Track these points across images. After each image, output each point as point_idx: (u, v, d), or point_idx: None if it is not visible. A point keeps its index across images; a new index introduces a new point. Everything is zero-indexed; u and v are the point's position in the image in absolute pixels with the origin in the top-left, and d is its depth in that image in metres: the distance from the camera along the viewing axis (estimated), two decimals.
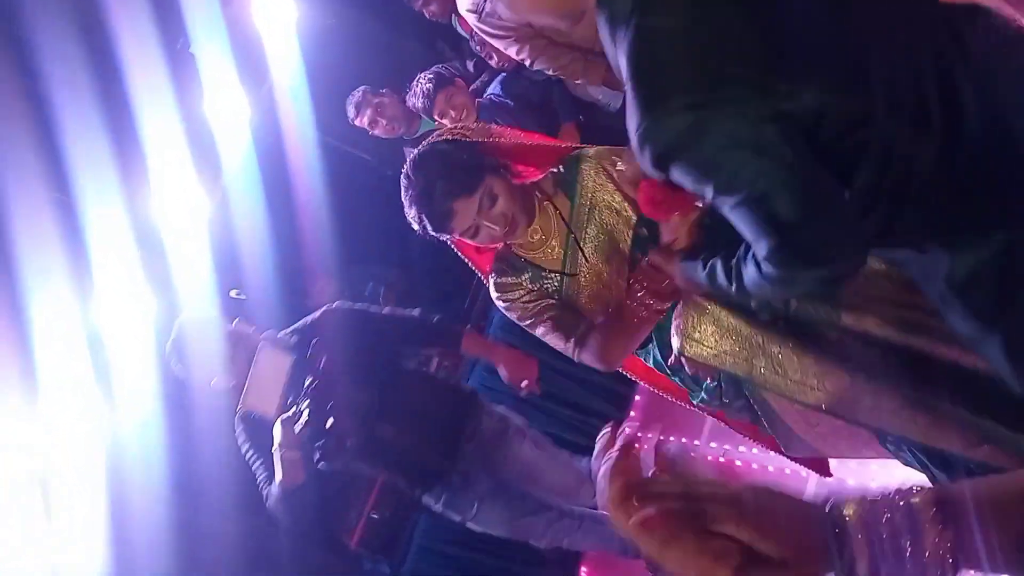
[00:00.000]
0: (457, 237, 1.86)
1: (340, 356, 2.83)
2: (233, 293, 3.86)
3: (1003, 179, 1.15)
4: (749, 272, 1.34)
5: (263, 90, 4.19)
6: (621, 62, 1.20)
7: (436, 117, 3.53)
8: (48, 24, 2.98)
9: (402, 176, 1.87)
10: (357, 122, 3.92)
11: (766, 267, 1.26)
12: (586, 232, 1.89)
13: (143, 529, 3.33)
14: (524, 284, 1.94)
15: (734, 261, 1.39)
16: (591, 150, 1.95)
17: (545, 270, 1.93)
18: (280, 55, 4.01)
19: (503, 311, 1.99)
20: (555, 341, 1.94)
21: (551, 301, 1.93)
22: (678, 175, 1.18)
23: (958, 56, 1.17)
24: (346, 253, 4.42)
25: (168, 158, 3.42)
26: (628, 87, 1.18)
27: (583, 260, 1.89)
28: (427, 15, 3.95)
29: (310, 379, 2.78)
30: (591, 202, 1.89)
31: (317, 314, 2.95)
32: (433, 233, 1.85)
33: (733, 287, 1.41)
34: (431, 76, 3.54)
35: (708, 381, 1.87)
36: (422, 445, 2.91)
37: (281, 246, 4.20)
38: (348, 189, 4.42)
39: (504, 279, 1.96)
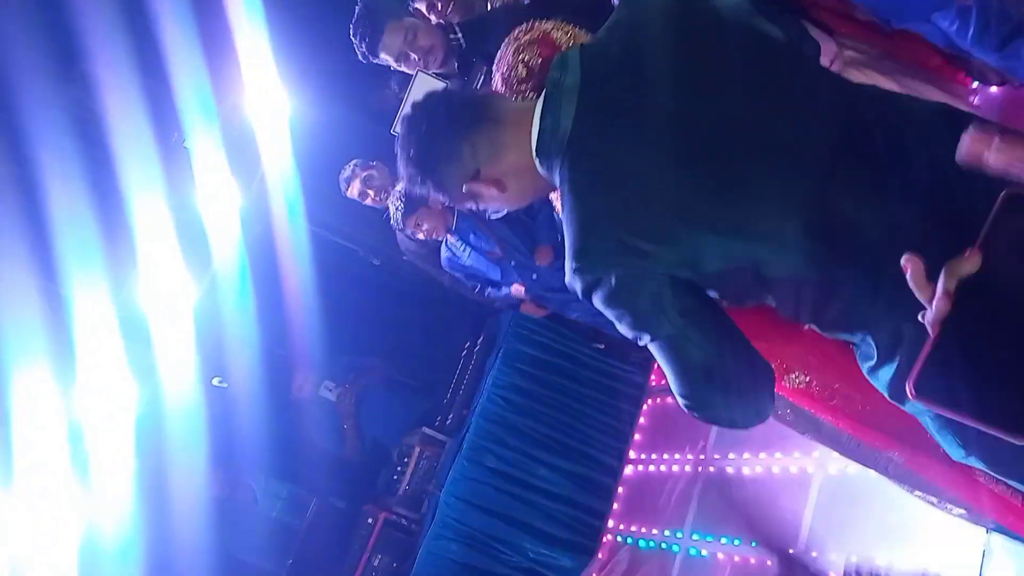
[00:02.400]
0: None
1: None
2: (215, 381, 3.86)
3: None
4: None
5: (255, 180, 4.29)
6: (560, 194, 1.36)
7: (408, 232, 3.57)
8: (42, 112, 3.07)
9: None
10: (348, 194, 3.97)
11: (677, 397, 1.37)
12: None
13: None
14: None
15: None
16: None
17: None
18: (272, 147, 4.13)
19: None
20: None
21: None
22: (601, 309, 1.32)
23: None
24: (331, 342, 4.45)
25: (157, 245, 3.48)
26: (564, 229, 1.33)
27: None
28: None
29: None
30: None
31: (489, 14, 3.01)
32: None
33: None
34: (401, 201, 3.54)
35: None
36: None
37: (266, 334, 4.23)
38: (335, 279, 4.48)
39: None
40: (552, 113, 1.34)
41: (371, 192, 3.88)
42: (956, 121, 1.26)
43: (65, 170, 3.07)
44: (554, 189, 1.45)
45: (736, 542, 3.38)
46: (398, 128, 2.85)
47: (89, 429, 3.33)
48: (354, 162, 3.92)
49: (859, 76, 2.77)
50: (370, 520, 4.11)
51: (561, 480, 3.97)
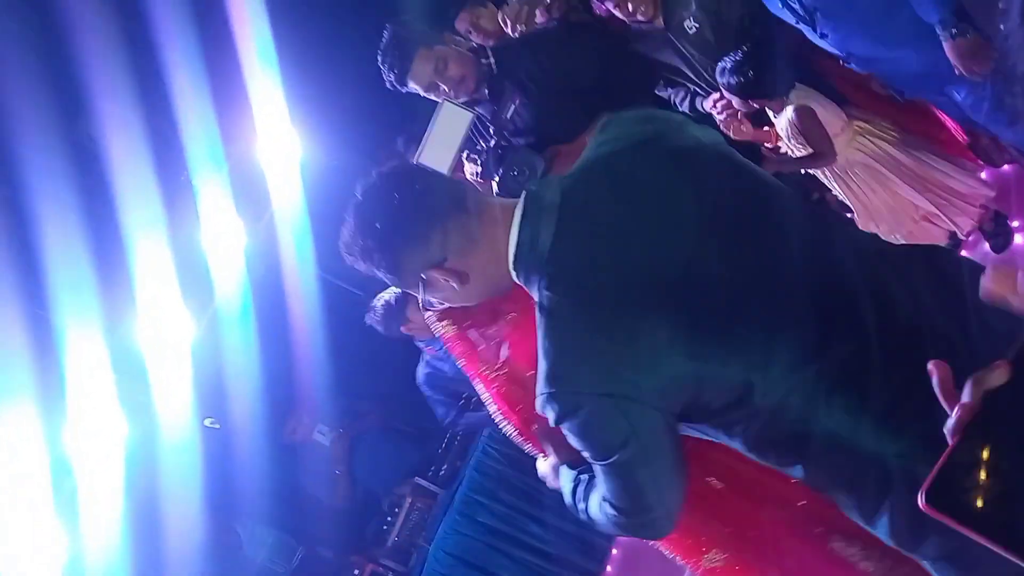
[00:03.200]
0: None
1: (532, 93, 2.83)
2: (207, 422, 3.81)
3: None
4: (598, 505, 1.44)
5: (262, 222, 4.29)
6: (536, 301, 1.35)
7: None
8: (41, 142, 3.08)
9: None
10: (351, 262, 3.97)
11: (607, 508, 1.40)
12: None
13: None
14: None
15: (591, 487, 1.48)
16: None
17: None
18: (282, 189, 4.14)
19: None
20: None
21: None
22: (567, 435, 1.33)
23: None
24: (328, 386, 4.40)
25: (157, 282, 3.46)
26: (540, 350, 1.31)
27: None
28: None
29: (493, 128, 2.78)
30: None
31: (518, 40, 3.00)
32: None
33: (580, 509, 1.52)
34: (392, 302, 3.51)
35: None
36: None
37: (264, 376, 4.18)
38: (336, 322, 4.46)
39: None
40: (531, 225, 1.33)
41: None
42: (934, 259, 1.36)
43: (63, 201, 3.05)
44: (506, 291, 1.43)
45: None
46: (421, 158, 2.87)
47: (77, 464, 3.27)
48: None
49: (868, 145, 2.79)
50: (356, 571, 4.03)
51: (553, 538, 3.89)
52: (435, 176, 1.47)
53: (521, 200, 1.37)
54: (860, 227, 2.86)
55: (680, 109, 3.05)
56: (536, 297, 1.33)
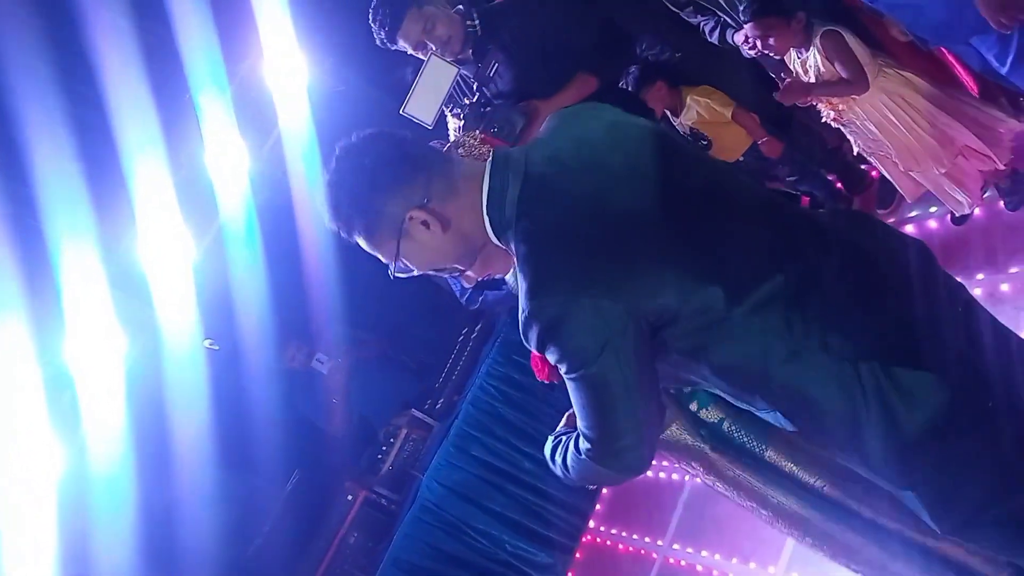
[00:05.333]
0: None
1: (513, 54, 3.01)
2: (207, 343, 3.82)
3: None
4: (572, 450, 1.51)
5: (267, 145, 4.24)
6: (513, 257, 1.44)
7: None
8: (40, 60, 3.01)
9: None
10: None
11: (581, 443, 1.46)
12: None
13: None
14: None
15: (568, 440, 1.56)
16: None
17: None
18: (287, 113, 4.07)
19: None
20: None
21: None
22: (549, 353, 1.37)
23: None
24: (329, 313, 4.41)
25: (158, 201, 3.44)
26: (519, 279, 1.39)
27: None
28: None
29: (477, 84, 3.01)
30: None
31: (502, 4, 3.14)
32: None
33: (557, 463, 1.59)
34: None
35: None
36: None
37: (266, 300, 4.19)
38: (339, 251, 4.44)
39: None
40: (500, 175, 1.43)
41: None
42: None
43: (60, 120, 3.01)
44: (472, 260, 1.51)
45: (716, 556, 3.34)
46: (407, 109, 2.96)
47: (77, 377, 3.30)
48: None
49: (898, 78, 2.71)
50: (350, 497, 4.08)
51: (546, 475, 3.93)
52: (419, 130, 1.53)
53: (490, 156, 1.47)
54: (902, 168, 2.83)
55: (709, 39, 3.09)
56: (511, 236, 1.41)
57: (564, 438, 1.60)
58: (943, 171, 2.80)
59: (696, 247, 1.36)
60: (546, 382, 1.62)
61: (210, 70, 3.55)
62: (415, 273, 1.53)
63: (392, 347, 4.90)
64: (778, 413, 1.42)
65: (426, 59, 2.93)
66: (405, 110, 2.94)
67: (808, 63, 2.81)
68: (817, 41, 2.74)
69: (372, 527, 4.04)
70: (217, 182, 3.85)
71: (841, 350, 1.33)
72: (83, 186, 3.06)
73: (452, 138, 3.05)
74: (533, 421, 4.02)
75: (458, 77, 3.00)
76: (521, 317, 1.37)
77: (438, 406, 4.37)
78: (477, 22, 3.05)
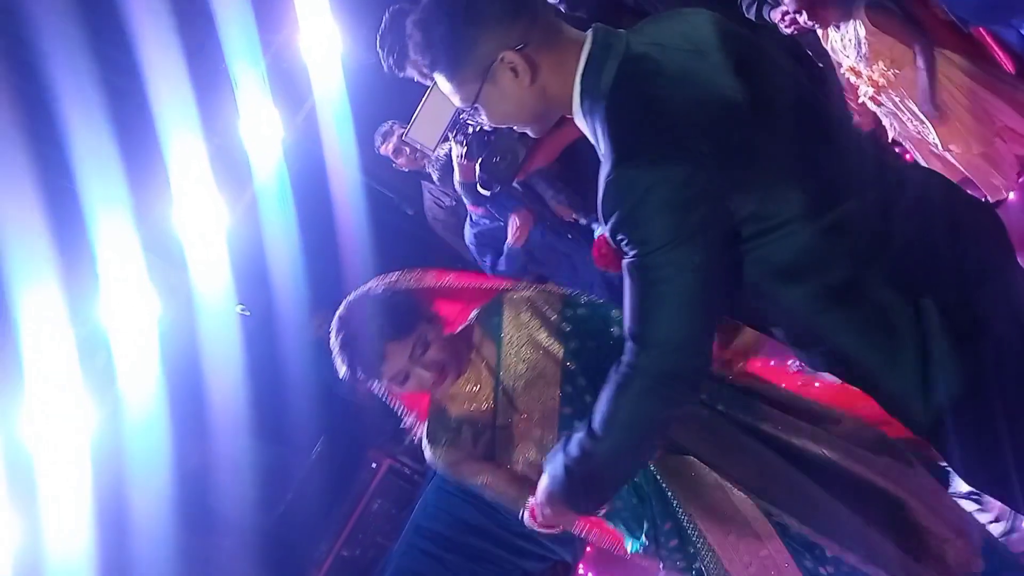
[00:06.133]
0: (386, 383, 1.86)
1: None
2: (238, 309, 3.88)
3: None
4: (601, 398, 1.41)
5: (300, 115, 4.27)
6: (597, 130, 1.34)
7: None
8: (76, 33, 3.05)
9: (335, 320, 1.91)
10: (382, 150, 3.98)
11: (625, 358, 1.36)
12: (515, 372, 1.89)
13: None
14: (460, 440, 1.91)
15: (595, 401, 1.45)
16: (519, 294, 1.97)
17: (478, 424, 1.91)
18: (321, 84, 4.10)
19: (442, 466, 1.93)
20: (505, 487, 1.90)
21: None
22: (624, 230, 1.29)
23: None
24: (355, 284, 4.44)
25: (193, 169, 3.48)
26: (606, 142, 1.31)
27: (516, 411, 1.88)
28: None
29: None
30: (517, 341, 1.90)
31: None
32: (362, 376, 1.86)
33: (577, 447, 1.46)
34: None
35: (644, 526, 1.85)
36: (587, 175, 2.97)
37: (296, 268, 4.23)
38: (366, 222, 4.47)
39: (436, 441, 1.94)
40: (602, 45, 1.35)
41: (407, 151, 3.87)
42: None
43: (96, 87, 3.04)
44: (549, 125, 1.44)
45: None
46: (411, 134, 3.00)
47: (112, 338, 3.37)
48: (392, 121, 3.92)
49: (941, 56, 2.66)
50: (374, 465, 4.14)
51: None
52: None
53: (592, 28, 1.39)
54: (940, 148, 2.78)
55: (747, 15, 3.06)
56: (597, 117, 1.33)
57: (569, 435, 1.50)
58: (981, 151, 2.76)
59: (784, 151, 1.32)
60: (603, 269, 1.53)
61: (245, 41, 3.58)
62: (482, 123, 1.46)
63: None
64: (821, 351, 1.38)
65: (430, 87, 2.86)
66: (408, 135, 2.97)
67: (847, 38, 2.76)
68: (863, 15, 2.68)
69: (395, 495, 4.10)
70: (251, 151, 3.89)
71: (902, 286, 1.31)
72: (118, 152, 3.09)
73: (456, 165, 3.15)
74: None
75: None
76: (601, 190, 1.30)
77: None
78: None
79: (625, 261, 1.31)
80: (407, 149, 3.90)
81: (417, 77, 1.44)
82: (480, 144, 2.99)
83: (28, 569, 2.88)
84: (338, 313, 1.93)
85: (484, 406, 1.90)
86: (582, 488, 1.50)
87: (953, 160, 2.86)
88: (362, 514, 4.05)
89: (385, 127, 3.96)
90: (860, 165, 1.39)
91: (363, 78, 4.14)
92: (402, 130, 3.86)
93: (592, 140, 1.39)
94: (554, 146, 3.18)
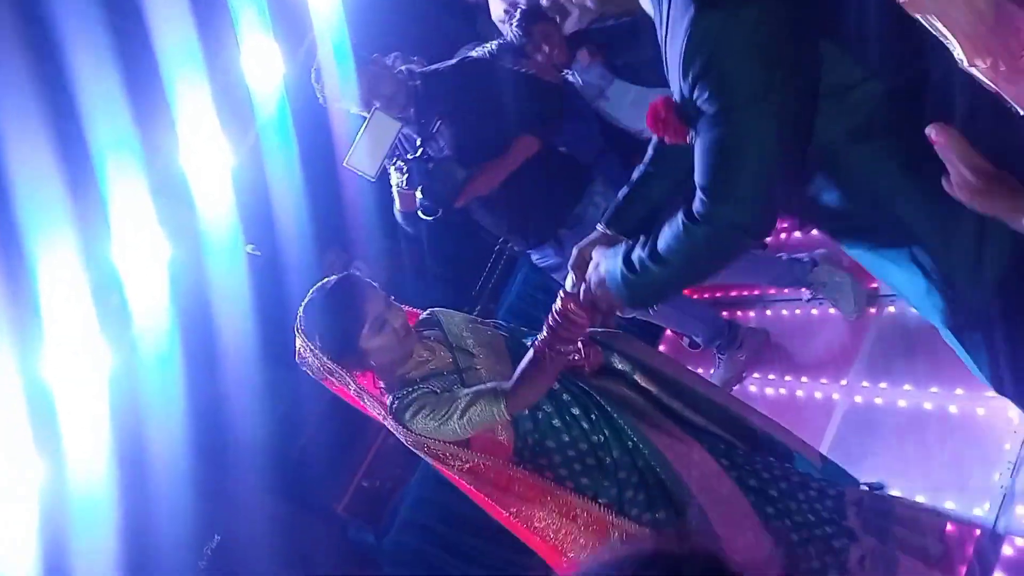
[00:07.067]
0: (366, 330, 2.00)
1: (455, 115, 3.20)
2: (249, 248, 3.90)
3: None
4: (669, 229, 1.42)
5: (301, 49, 4.20)
6: None
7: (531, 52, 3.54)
8: None
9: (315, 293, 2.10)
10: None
11: (695, 207, 1.35)
12: (460, 335, 2.13)
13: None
14: (431, 388, 2.02)
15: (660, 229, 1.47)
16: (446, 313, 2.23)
17: (444, 373, 2.04)
18: (321, 18, 4.02)
19: (419, 422, 1.98)
20: (480, 413, 1.97)
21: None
22: (705, 79, 1.26)
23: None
24: (367, 223, 4.43)
25: (197, 109, 3.45)
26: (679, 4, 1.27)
27: (472, 355, 2.08)
28: None
29: (420, 140, 3.17)
30: (456, 327, 2.16)
31: (446, 67, 3.31)
32: (347, 326, 2.01)
33: (642, 259, 1.49)
34: (524, 12, 3.55)
35: None
36: (527, 203, 3.26)
37: (303, 206, 4.22)
38: None
39: (409, 395, 2.02)
40: None
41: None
42: None
43: (96, 26, 3.00)
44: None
45: (786, 378, 3.29)
46: (351, 161, 3.15)
47: (125, 279, 3.40)
48: (395, 54, 3.84)
49: None
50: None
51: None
52: None
53: None
54: (967, 64, 2.71)
55: None
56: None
57: (637, 241, 1.52)
58: (1005, 68, 2.69)
59: (855, 10, 1.29)
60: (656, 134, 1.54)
61: None
62: None
63: (429, 257, 4.93)
64: (876, 223, 1.38)
65: (370, 114, 3.03)
66: (348, 162, 3.07)
67: None
68: None
69: None
70: (253, 88, 3.85)
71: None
72: (123, 95, 3.08)
73: (395, 192, 3.27)
74: None
75: (401, 133, 3.13)
76: (683, 45, 1.27)
77: (474, 314, 4.41)
78: (418, 82, 3.22)
79: (706, 114, 1.29)
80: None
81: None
82: (421, 172, 3.12)
83: (53, 505, 2.95)
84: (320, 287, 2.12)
85: (445, 360, 2.08)
86: (634, 290, 1.56)
87: (980, 76, 2.79)
88: (381, 445, 4.12)
89: (388, 59, 3.89)
90: (923, 47, 1.38)
91: (362, 9, 4.06)
92: (404, 64, 3.83)
93: (653, 7, 1.37)
94: (496, 173, 3.25)
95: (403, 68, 3.26)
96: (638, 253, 1.50)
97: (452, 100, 3.20)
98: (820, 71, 1.27)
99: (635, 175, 1.77)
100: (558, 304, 1.83)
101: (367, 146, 3.01)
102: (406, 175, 3.15)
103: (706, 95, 1.27)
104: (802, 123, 1.29)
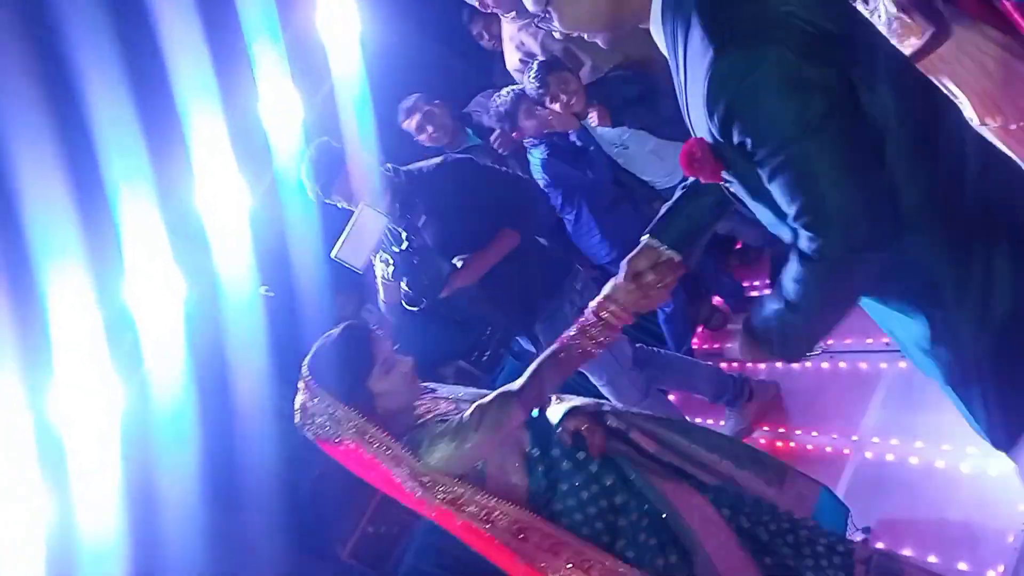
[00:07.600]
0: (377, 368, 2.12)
1: (438, 211, 3.29)
2: (262, 290, 3.92)
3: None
4: (790, 274, 1.39)
5: (320, 95, 4.27)
6: (679, 33, 1.33)
7: (548, 102, 3.63)
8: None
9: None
10: (405, 125, 3.99)
11: (805, 247, 1.33)
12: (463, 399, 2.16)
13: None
14: (441, 419, 2.06)
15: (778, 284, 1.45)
16: None
17: (448, 418, 2.06)
18: (340, 64, 4.09)
19: (437, 451, 1.99)
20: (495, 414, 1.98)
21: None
22: (739, 128, 1.26)
23: None
24: None
25: (214, 149, 3.50)
26: (700, 36, 1.27)
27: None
28: (483, 45, 4.05)
29: (406, 234, 3.23)
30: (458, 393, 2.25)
31: (429, 166, 3.38)
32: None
33: (781, 304, 1.46)
34: (540, 63, 3.63)
35: None
36: (506, 296, 3.37)
37: (318, 248, 4.24)
38: None
39: (422, 429, 2.05)
40: None
41: (429, 129, 3.90)
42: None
43: (114, 63, 3.06)
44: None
45: (797, 431, 3.33)
46: (339, 254, 3.16)
47: (138, 318, 3.42)
48: (417, 95, 3.92)
49: (968, 29, 2.59)
50: None
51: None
52: None
53: None
54: (978, 123, 2.73)
55: None
56: (679, 22, 1.32)
57: (767, 299, 1.52)
58: (1016, 127, 2.69)
59: (878, 56, 1.34)
60: (689, 175, 1.52)
61: (264, 19, 3.58)
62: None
63: (439, 302, 4.94)
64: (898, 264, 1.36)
65: (357, 209, 3.10)
66: (337, 255, 3.14)
67: (877, 14, 2.69)
68: None
69: None
70: (271, 131, 3.91)
71: (981, 215, 1.32)
72: (140, 133, 3.13)
73: (380, 284, 3.37)
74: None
75: (387, 227, 3.20)
76: (704, 88, 1.26)
77: (484, 358, 4.41)
78: (403, 178, 3.30)
79: (760, 158, 1.29)
80: (429, 127, 3.92)
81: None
82: (406, 264, 3.21)
83: (61, 545, 2.94)
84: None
85: (448, 408, 2.12)
86: (787, 345, 1.55)
87: (990, 134, 2.79)
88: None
89: (409, 102, 3.95)
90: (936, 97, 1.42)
91: (382, 57, 4.13)
92: (427, 106, 3.88)
93: (668, 51, 1.37)
94: (479, 266, 3.34)
95: (388, 166, 3.37)
96: (773, 307, 1.50)
97: (435, 197, 3.30)
98: (856, 92, 1.27)
99: (679, 191, 1.78)
100: (594, 305, 1.87)
101: (355, 240, 3.09)
102: (391, 267, 3.25)
103: (749, 139, 1.28)
104: (857, 129, 1.28)
